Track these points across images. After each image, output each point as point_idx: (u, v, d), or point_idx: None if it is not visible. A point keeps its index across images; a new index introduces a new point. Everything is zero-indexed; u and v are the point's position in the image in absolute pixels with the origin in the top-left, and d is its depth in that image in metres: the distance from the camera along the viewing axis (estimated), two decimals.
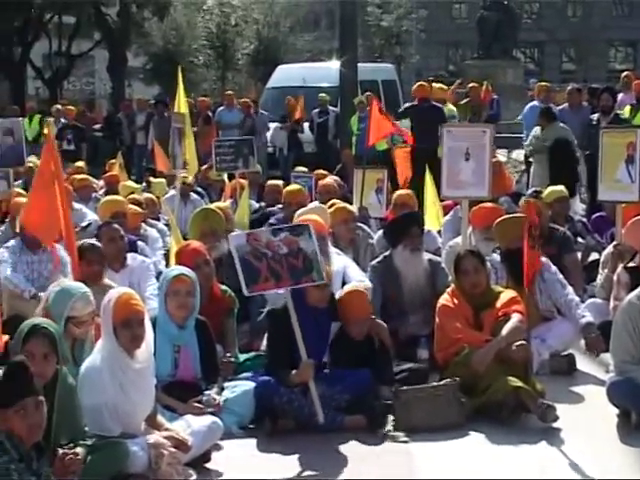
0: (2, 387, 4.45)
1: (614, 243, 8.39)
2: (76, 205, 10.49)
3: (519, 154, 17.85)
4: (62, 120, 19.77)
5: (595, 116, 13.90)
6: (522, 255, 7.12)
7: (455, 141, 8.58)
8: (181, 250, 7.18)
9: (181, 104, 11.70)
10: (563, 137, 13.38)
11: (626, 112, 14.30)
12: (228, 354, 6.68)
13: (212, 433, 5.68)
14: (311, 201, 10.32)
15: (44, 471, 4.38)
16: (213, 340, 6.34)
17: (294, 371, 6.17)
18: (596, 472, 5.46)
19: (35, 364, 4.59)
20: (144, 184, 14.16)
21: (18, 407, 4.29)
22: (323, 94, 19.78)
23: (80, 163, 14.74)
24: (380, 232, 9.31)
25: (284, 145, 20.03)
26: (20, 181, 12.42)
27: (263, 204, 11.97)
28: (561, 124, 13.81)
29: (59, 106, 21.47)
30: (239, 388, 6.29)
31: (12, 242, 8.30)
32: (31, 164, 12.99)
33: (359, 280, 7.41)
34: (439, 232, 9.89)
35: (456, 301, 6.79)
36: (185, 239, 8.18)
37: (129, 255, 8.08)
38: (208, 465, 5.59)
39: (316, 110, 19.93)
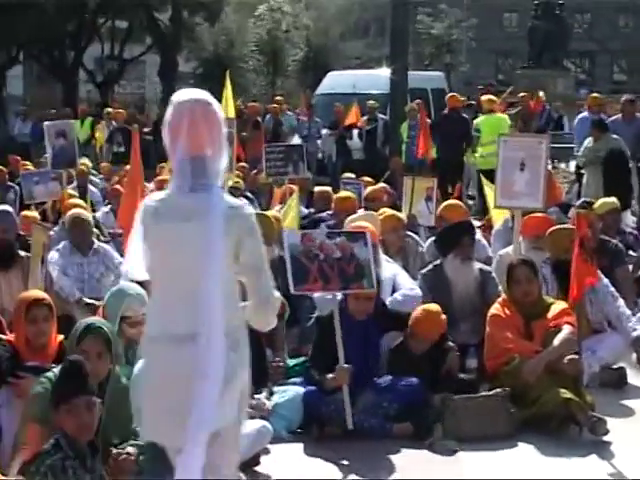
0: (57, 385, 4.52)
1: None
2: None
3: (569, 165, 17.70)
4: (113, 123, 19.96)
5: None
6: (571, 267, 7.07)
7: (511, 151, 8.49)
8: None
9: (229, 109, 11.75)
10: (617, 148, 13.25)
11: None
12: (277, 358, 6.71)
13: (262, 437, 5.68)
14: (360, 208, 10.30)
15: (98, 469, 4.43)
16: (262, 344, 6.35)
17: (329, 375, 6.18)
18: None
19: (89, 363, 4.62)
20: None
21: (69, 406, 4.34)
22: (372, 101, 19.77)
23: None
24: (430, 240, 9.27)
25: (332, 151, 20.04)
26: (74, 184, 12.52)
27: (312, 210, 11.99)
28: (614, 135, 13.68)
29: (110, 109, 21.69)
30: (288, 393, 6.32)
31: (62, 244, 8.38)
32: (83, 166, 13.14)
33: (409, 288, 7.39)
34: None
35: (507, 311, 6.76)
36: None
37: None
38: (257, 468, 5.60)
39: (365, 117, 19.92)
